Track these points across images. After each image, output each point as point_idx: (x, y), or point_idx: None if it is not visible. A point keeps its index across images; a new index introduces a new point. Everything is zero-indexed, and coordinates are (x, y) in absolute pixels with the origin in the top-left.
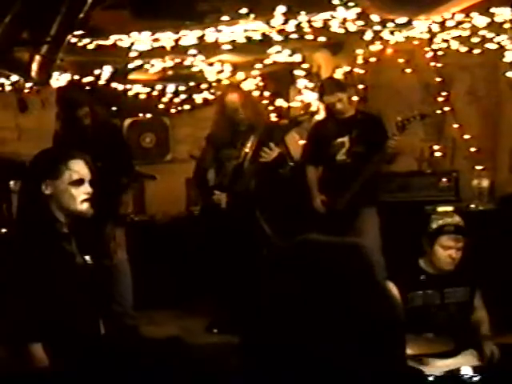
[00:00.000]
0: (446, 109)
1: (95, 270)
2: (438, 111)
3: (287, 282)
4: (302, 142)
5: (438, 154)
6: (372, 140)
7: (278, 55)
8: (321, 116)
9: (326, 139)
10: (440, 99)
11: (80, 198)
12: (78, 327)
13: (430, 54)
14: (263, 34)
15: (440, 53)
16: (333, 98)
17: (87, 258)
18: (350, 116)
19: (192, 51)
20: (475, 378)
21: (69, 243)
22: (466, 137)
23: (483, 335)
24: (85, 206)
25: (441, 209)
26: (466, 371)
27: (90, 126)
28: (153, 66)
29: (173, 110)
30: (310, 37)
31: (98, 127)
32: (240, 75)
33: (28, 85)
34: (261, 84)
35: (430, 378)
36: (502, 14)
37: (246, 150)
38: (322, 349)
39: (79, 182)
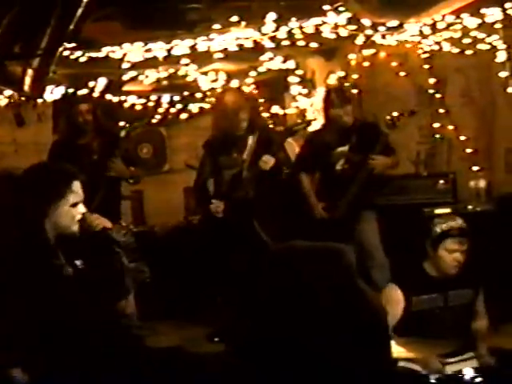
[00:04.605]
0: (441, 111)
1: (88, 275)
2: (433, 113)
3: (275, 286)
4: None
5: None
6: (370, 147)
7: (272, 62)
8: (318, 124)
9: (326, 148)
10: (434, 101)
11: (76, 218)
12: (68, 345)
13: (422, 57)
14: (255, 42)
15: (432, 55)
16: (341, 111)
17: (78, 263)
18: (350, 125)
19: (185, 61)
20: (477, 380)
21: (56, 257)
22: (462, 138)
23: (480, 344)
24: (77, 227)
25: (440, 211)
26: (469, 373)
27: (90, 130)
28: (147, 76)
29: (169, 120)
30: (301, 43)
31: (98, 133)
32: (234, 83)
33: (22, 99)
34: (255, 91)
35: (432, 380)
36: (492, 14)
37: (244, 156)
38: (308, 349)
39: (78, 204)
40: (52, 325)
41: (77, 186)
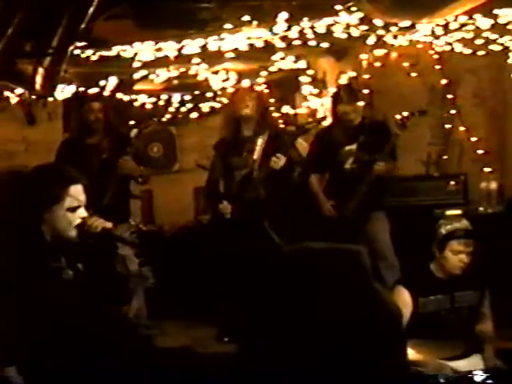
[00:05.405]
0: (453, 112)
1: (89, 279)
2: (445, 114)
3: (289, 287)
4: None
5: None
6: (379, 146)
7: (283, 62)
8: (327, 122)
9: (334, 147)
10: (446, 102)
11: (74, 223)
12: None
13: (434, 57)
14: (266, 41)
15: (444, 56)
16: (349, 108)
17: (80, 266)
18: (358, 123)
19: (196, 60)
20: (487, 381)
21: (56, 260)
22: (474, 139)
23: (487, 347)
24: (74, 233)
25: (450, 213)
26: (478, 374)
27: (100, 129)
28: (158, 75)
29: (179, 120)
30: (313, 43)
31: (108, 132)
32: (245, 83)
33: (33, 97)
34: (266, 91)
35: (441, 380)
36: (505, 15)
37: (255, 157)
38: (323, 350)
39: (76, 208)
40: (50, 326)
41: (75, 190)
